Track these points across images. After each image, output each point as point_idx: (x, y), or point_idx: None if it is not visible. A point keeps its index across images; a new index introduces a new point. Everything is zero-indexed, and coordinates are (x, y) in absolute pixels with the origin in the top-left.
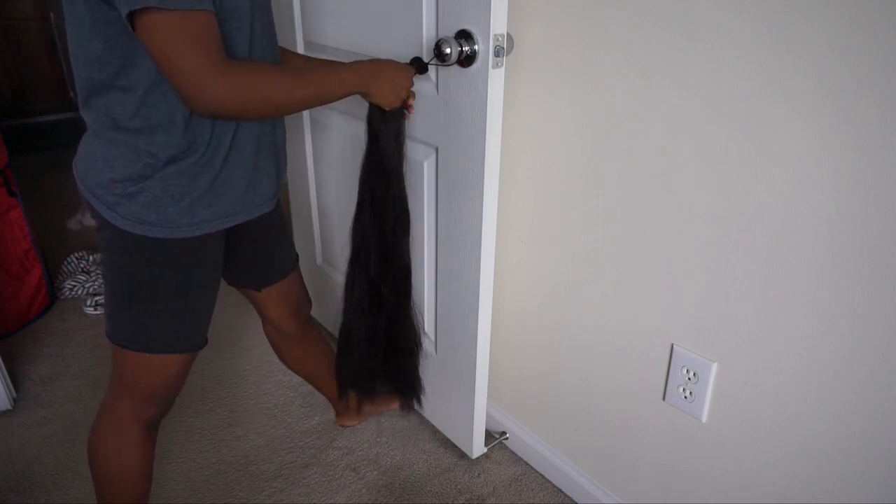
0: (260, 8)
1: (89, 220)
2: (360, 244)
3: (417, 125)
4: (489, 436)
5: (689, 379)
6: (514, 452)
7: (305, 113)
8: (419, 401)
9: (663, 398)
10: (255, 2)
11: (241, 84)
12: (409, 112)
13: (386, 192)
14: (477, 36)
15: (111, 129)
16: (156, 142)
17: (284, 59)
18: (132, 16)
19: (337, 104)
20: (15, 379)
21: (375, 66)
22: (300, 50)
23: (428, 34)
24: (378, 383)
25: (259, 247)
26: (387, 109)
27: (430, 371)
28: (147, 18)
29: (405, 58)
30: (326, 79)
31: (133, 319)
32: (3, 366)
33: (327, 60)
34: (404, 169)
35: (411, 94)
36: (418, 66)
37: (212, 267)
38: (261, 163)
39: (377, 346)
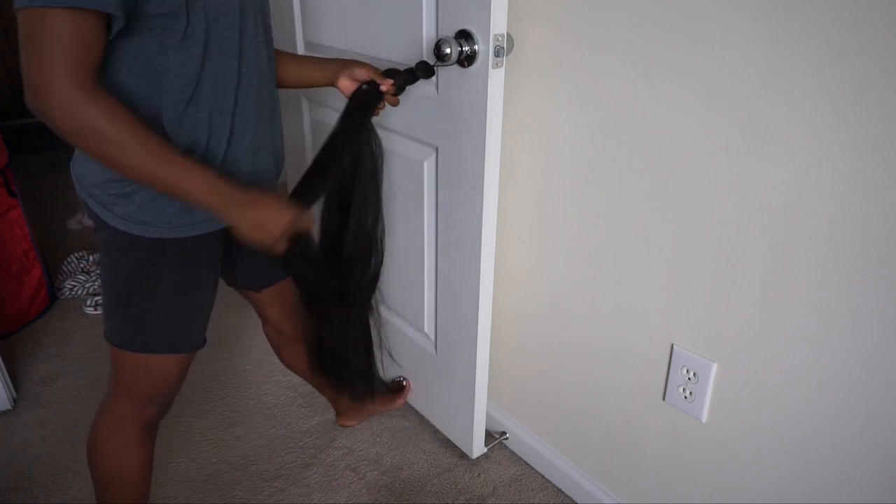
0: (251, 5)
1: (89, 221)
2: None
3: (417, 125)
4: (489, 436)
5: (689, 379)
6: (514, 452)
7: (305, 113)
8: (368, 395)
9: (663, 398)
10: (245, 3)
11: (93, 120)
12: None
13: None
14: (477, 36)
15: None
16: None
17: (278, 59)
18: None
19: (337, 104)
20: (15, 379)
21: (244, 195)
22: (300, 50)
23: (428, 34)
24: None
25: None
26: (248, 243)
27: (431, 371)
28: (23, 12)
29: (405, 57)
30: (183, 170)
31: (131, 320)
32: (3, 366)
33: (202, 171)
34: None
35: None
36: (425, 70)
37: (210, 267)
38: (258, 162)
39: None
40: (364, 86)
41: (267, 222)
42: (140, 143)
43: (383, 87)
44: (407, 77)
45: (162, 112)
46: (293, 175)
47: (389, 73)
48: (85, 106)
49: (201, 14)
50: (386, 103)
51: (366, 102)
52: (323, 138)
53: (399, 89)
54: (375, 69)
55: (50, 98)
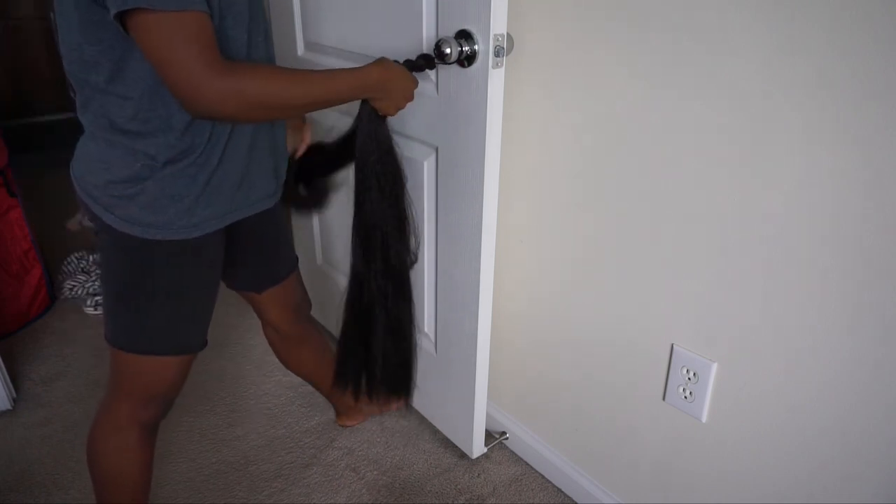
0: (256, 7)
1: (89, 221)
2: (363, 253)
3: (417, 125)
4: (489, 436)
5: (689, 379)
6: (514, 452)
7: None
8: (409, 396)
9: (663, 398)
10: (252, 1)
11: (240, 85)
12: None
13: (383, 196)
14: (477, 36)
15: (108, 131)
16: (154, 144)
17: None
18: (123, 16)
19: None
20: (15, 379)
21: (385, 74)
22: (300, 50)
23: (428, 34)
24: (374, 385)
25: (258, 248)
26: (385, 115)
27: (430, 371)
28: (139, 19)
29: (405, 58)
30: (331, 81)
31: (131, 321)
32: (3, 366)
33: (341, 74)
34: (403, 169)
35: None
36: (426, 61)
37: (211, 268)
38: (256, 158)
39: (375, 350)
40: None
41: (406, 93)
42: (296, 80)
43: None
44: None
45: (173, 106)
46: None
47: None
48: (240, 82)
49: (216, 11)
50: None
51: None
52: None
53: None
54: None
55: (213, 92)
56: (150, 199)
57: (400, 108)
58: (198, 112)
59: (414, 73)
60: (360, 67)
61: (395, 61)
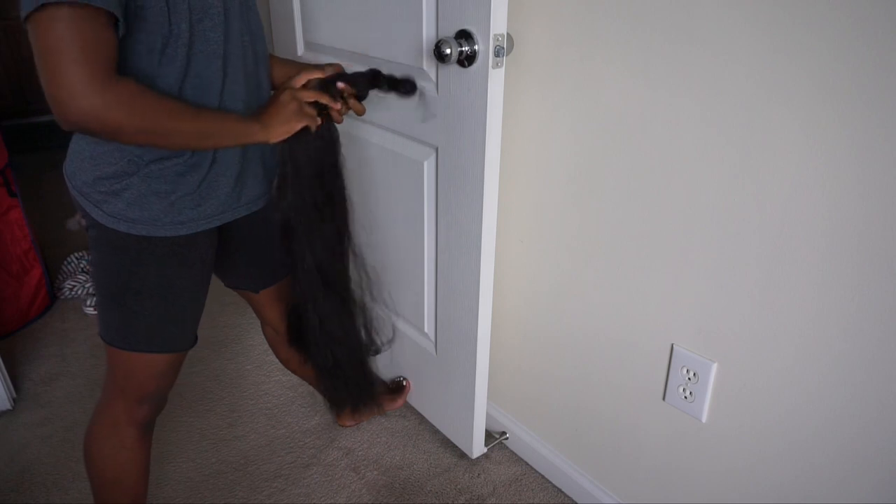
0: (236, 6)
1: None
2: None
3: (417, 125)
4: (489, 436)
5: (689, 379)
6: (514, 452)
7: None
8: (369, 406)
9: (663, 398)
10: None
11: (119, 103)
12: (337, 117)
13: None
14: (477, 36)
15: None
16: (145, 146)
17: (272, 63)
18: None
19: None
20: (15, 379)
21: (264, 107)
22: (300, 50)
23: (428, 34)
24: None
25: (255, 248)
26: (307, 131)
27: (430, 371)
28: (33, 17)
29: (405, 58)
30: (216, 119)
31: (121, 318)
32: (3, 366)
33: (287, 62)
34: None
35: (332, 99)
36: (408, 88)
37: (199, 267)
38: (247, 163)
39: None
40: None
41: (287, 107)
42: (182, 111)
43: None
44: (385, 86)
45: None
46: None
47: (374, 73)
48: (123, 98)
49: (185, 15)
50: (350, 108)
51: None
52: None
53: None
54: (340, 66)
55: (91, 102)
56: (135, 195)
57: (299, 114)
58: (71, 124)
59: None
60: (241, 122)
61: (374, 72)
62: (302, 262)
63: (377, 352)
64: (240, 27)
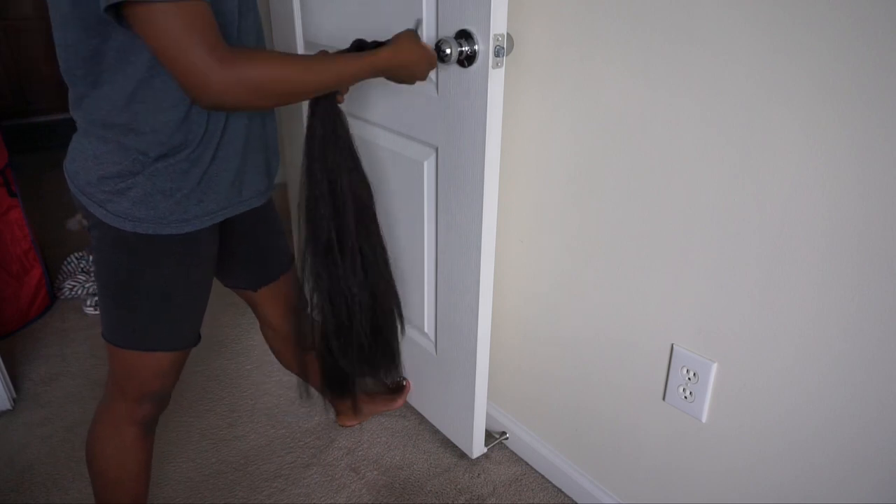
0: (247, 4)
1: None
2: (327, 237)
3: (417, 125)
4: (489, 436)
5: (689, 379)
6: (514, 452)
7: (305, 112)
8: (398, 375)
9: (663, 398)
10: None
11: (246, 73)
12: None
13: (341, 176)
14: (477, 36)
15: (101, 126)
16: (145, 140)
17: None
18: (118, 9)
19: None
20: (15, 379)
21: (395, 60)
22: (300, 49)
23: (428, 34)
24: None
25: (254, 246)
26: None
27: (430, 371)
28: (140, 10)
29: None
30: (341, 67)
31: (125, 317)
32: (3, 366)
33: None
34: (356, 149)
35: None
36: (357, 47)
37: (204, 264)
38: (249, 157)
39: (358, 338)
40: None
41: (419, 72)
42: (304, 64)
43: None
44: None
45: (165, 102)
46: (293, 175)
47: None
48: (247, 68)
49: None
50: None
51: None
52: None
53: None
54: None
55: (220, 80)
56: (141, 194)
57: (423, 77)
58: (207, 103)
59: None
60: (370, 51)
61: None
62: (332, 228)
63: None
64: (248, 26)
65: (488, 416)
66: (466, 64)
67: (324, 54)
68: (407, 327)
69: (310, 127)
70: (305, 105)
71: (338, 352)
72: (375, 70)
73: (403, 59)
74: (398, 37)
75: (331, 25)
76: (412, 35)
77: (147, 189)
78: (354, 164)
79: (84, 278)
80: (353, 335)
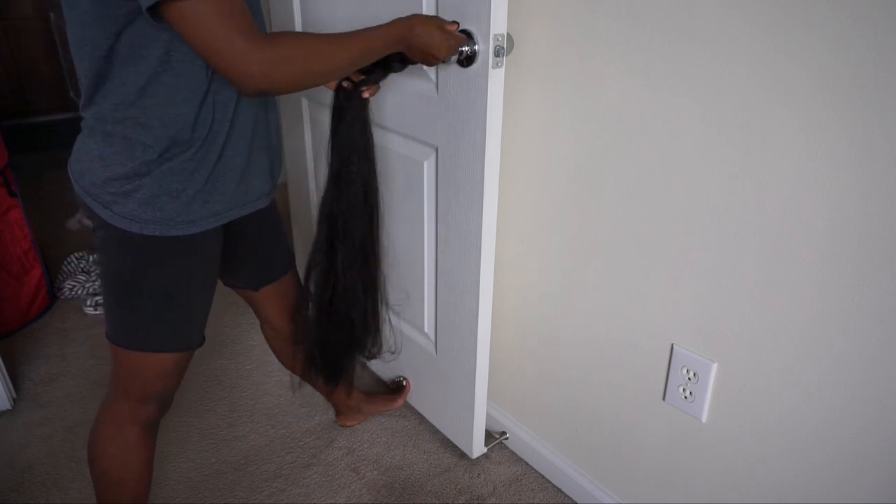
0: (255, 3)
1: (88, 221)
2: (334, 233)
3: (417, 125)
4: (489, 436)
5: (689, 379)
6: (514, 452)
7: (305, 112)
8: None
9: (663, 398)
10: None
11: (284, 53)
12: (369, 94)
13: (354, 175)
14: (477, 36)
15: (110, 121)
16: (153, 134)
17: None
18: (156, 7)
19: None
20: (15, 379)
21: (413, 25)
22: None
23: None
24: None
25: (256, 246)
26: (436, 61)
27: (430, 371)
28: (172, 9)
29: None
30: (366, 40)
31: (130, 319)
32: (3, 366)
33: (374, 30)
34: (374, 154)
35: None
36: (400, 59)
37: (209, 265)
38: (254, 158)
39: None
40: (344, 82)
41: (445, 33)
42: (333, 43)
43: (365, 94)
44: (383, 71)
45: (177, 98)
46: (292, 175)
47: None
48: (283, 51)
49: None
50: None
51: (350, 96)
52: (323, 137)
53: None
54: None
55: (261, 65)
56: (147, 196)
57: (451, 46)
58: (252, 89)
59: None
60: (390, 22)
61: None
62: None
63: (373, 356)
64: (258, 21)
65: (488, 416)
66: (466, 64)
67: (351, 32)
68: (407, 327)
69: (337, 128)
70: (307, 109)
71: (325, 326)
72: (394, 36)
73: (419, 30)
74: (414, 15)
75: (331, 25)
76: (425, 15)
77: (154, 190)
78: (370, 159)
79: (84, 278)
80: (340, 305)
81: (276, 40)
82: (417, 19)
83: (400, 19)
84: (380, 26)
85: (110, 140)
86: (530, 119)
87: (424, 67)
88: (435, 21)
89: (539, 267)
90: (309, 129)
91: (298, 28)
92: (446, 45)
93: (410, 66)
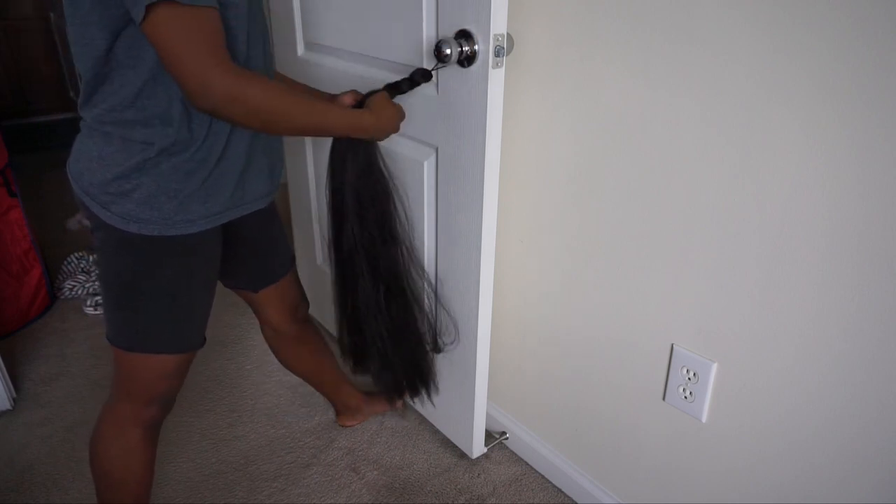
0: (256, 8)
1: (88, 221)
2: (350, 251)
3: (417, 125)
4: (489, 436)
5: (689, 379)
6: (514, 452)
7: None
8: (429, 394)
9: (663, 398)
10: (252, 1)
11: (247, 90)
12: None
13: (364, 216)
14: (477, 36)
15: (108, 122)
16: (151, 133)
17: (277, 78)
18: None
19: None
20: (15, 379)
21: (376, 122)
22: (300, 50)
23: (428, 34)
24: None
25: (255, 247)
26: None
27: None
28: (154, 13)
29: (405, 58)
30: (327, 115)
31: (130, 320)
32: (3, 366)
33: (320, 94)
34: (389, 182)
35: None
36: (423, 75)
37: (208, 266)
38: (254, 160)
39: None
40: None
41: (393, 128)
42: (296, 100)
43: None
44: (407, 86)
45: (173, 104)
46: (293, 176)
47: (389, 87)
48: (244, 82)
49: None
50: None
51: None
52: (323, 142)
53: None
54: (359, 93)
55: (220, 86)
56: (146, 195)
57: (388, 135)
58: (203, 106)
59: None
60: (355, 111)
61: (390, 85)
62: (354, 245)
63: (438, 350)
64: (256, 30)
65: (488, 416)
66: (466, 64)
67: (319, 97)
68: None
69: (338, 156)
70: None
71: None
72: (357, 129)
73: (384, 125)
74: (374, 101)
75: (331, 25)
76: (385, 98)
77: (152, 190)
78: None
79: (84, 278)
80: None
81: (245, 75)
82: (382, 120)
83: (365, 115)
84: (345, 113)
85: (109, 140)
86: (530, 119)
87: (425, 67)
88: (393, 117)
89: (539, 267)
90: None
91: (298, 28)
92: (397, 128)
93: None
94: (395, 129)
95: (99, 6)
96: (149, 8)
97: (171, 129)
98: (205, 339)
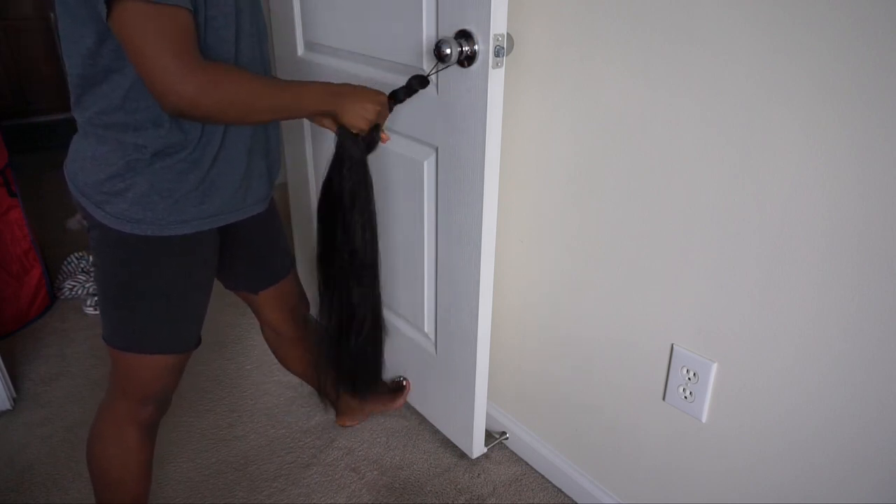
0: (248, 5)
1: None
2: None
3: (417, 125)
4: (489, 436)
5: (689, 379)
6: (514, 452)
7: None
8: (370, 389)
9: (663, 398)
10: (249, 1)
11: (211, 84)
12: (381, 141)
13: (350, 222)
14: (477, 36)
15: (100, 125)
16: (144, 135)
17: None
18: (108, 6)
19: None
20: (15, 379)
21: (345, 87)
22: (300, 50)
23: (428, 34)
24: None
25: (255, 249)
26: (354, 131)
27: (430, 371)
28: (120, 9)
29: (405, 58)
30: (297, 91)
31: (125, 320)
32: (3, 366)
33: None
34: (372, 201)
35: (381, 124)
36: (420, 81)
37: (204, 267)
38: (252, 163)
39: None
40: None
41: (365, 106)
42: (264, 87)
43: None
44: (404, 94)
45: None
46: (292, 178)
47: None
48: (211, 80)
49: (201, 11)
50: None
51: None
52: (324, 139)
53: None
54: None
55: (185, 87)
56: (139, 195)
57: (366, 119)
58: (169, 107)
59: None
60: (326, 82)
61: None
62: (345, 239)
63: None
64: (249, 28)
65: (488, 416)
66: (466, 64)
67: (287, 81)
68: (407, 327)
69: (337, 172)
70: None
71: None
72: (333, 93)
73: (353, 90)
74: (350, 83)
75: (331, 25)
76: (369, 90)
77: (144, 189)
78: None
79: (84, 278)
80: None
81: (210, 70)
82: (343, 94)
83: (330, 85)
84: (311, 85)
85: (103, 141)
86: (530, 119)
87: (425, 67)
88: (359, 100)
89: (539, 267)
90: (310, 128)
91: (298, 28)
92: (357, 124)
93: (408, 69)
94: (365, 115)
95: (84, 7)
96: (113, 3)
97: (162, 130)
98: (200, 339)
